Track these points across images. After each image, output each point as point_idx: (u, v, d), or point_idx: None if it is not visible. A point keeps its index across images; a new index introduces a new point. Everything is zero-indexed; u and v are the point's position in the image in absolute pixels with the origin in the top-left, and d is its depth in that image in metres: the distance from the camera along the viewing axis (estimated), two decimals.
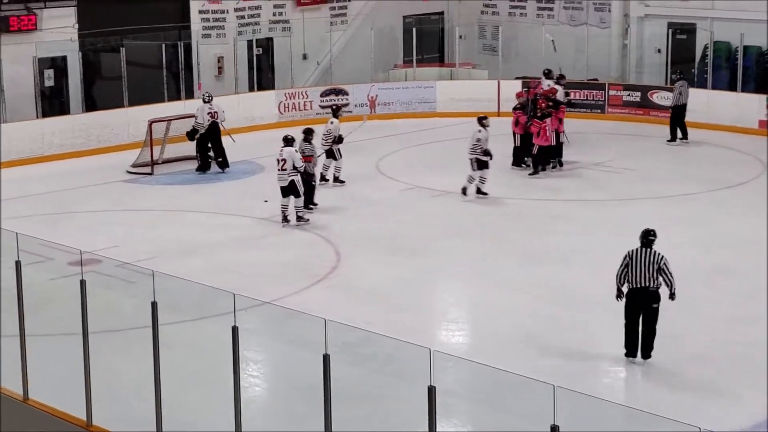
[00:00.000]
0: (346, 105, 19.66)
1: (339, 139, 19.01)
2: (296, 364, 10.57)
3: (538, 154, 19.82)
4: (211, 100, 20.85)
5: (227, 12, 25.91)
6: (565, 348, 12.12)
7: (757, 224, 16.72)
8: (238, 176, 20.56)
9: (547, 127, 19.58)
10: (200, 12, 25.55)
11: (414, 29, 27.16)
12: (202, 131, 20.60)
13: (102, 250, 14.11)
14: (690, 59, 25.31)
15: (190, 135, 20.71)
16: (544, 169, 19.87)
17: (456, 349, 11.94)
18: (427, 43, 28.81)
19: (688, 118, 22.54)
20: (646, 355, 11.60)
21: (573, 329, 12.67)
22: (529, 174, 19.85)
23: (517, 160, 20.26)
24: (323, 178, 19.05)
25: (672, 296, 11.43)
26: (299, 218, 16.93)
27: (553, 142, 19.89)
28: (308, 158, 17.36)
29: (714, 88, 24.13)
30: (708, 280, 14.20)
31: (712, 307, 13.32)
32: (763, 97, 23.18)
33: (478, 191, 18.20)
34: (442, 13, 29.45)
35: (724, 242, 15.91)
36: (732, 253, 15.41)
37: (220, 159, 20.83)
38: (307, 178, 17.34)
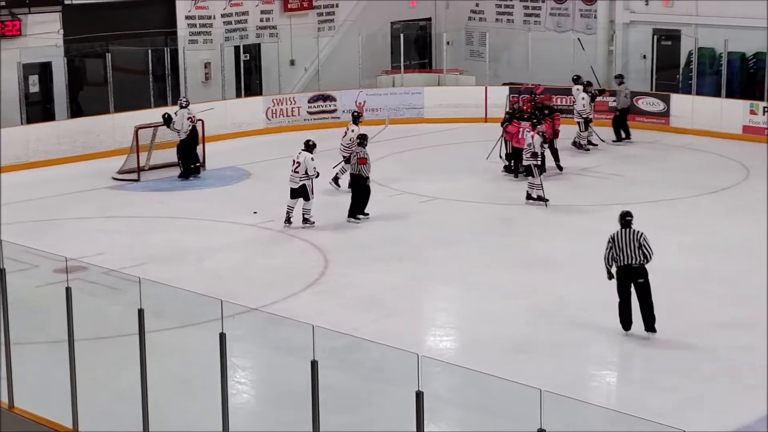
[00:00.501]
0: (362, 113, 19.90)
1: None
2: (284, 371, 10.56)
3: (515, 156, 19.92)
4: (189, 104, 20.87)
5: (214, 17, 25.88)
6: (552, 353, 12.13)
7: (743, 229, 16.84)
8: (225, 182, 20.53)
9: (522, 130, 19.66)
10: (187, 17, 25.50)
11: (401, 35, 27.21)
12: (183, 137, 20.57)
13: (88, 257, 14.03)
14: (675, 65, 25.42)
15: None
16: (522, 172, 19.97)
17: (444, 355, 11.93)
18: (414, 49, 28.89)
19: (673, 123, 22.58)
20: (650, 328, 12.25)
21: (560, 334, 12.69)
22: (514, 176, 20.02)
23: (508, 166, 20.31)
24: (336, 184, 19.22)
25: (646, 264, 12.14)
26: (305, 220, 17.01)
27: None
28: (363, 160, 17.40)
29: (698, 93, 24.24)
30: (694, 285, 14.23)
31: (698, 312, 13.35)
32: (747, 102, 23.33)
33: (529, 197, 18.25)
34: (429, 19, 29.50)
35: (710, 247, 15.96)
36: (718, 257, 15.46)
37: (198, 164, 20.79)
38: (363, 181, 17.39)
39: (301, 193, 16.90)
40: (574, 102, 22.69)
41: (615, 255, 12.17)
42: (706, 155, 21.94)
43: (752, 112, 23.16)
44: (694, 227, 17.06)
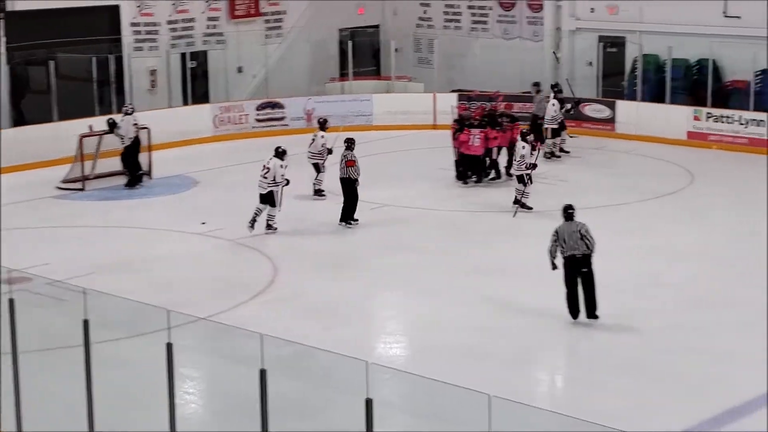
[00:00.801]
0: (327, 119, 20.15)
1: (329, 152, 19.19)
2: (232, 380, 10.49)
3: (464, 163, 19.99)
4: (134, 111, 20.70)
5: (160, 24, 25.66)
6: (501, 358, 12.16)
7: (688, 233, 17.05)
8: (173, 190, 20.36)
9: (472, 137, 19.74)
10: (132, 24, 25.26)
11: (350, 42, 27.20)
12: (127, 143, 20.39)
13: (32, 268, 13.82)
14: (620, 72, 25.70)
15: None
16: (473, 178, 20.07)
17: (394, 362, 11.91)
18: (363, 56, 28.89)
19: (618, 129, 23.08)
20: (591, 314, 12.85)
21: (510, 339, 12.73)
22: (463, 182, 20.11)
23: (460, 174, 20.37)
24: (319, 195, 19.28)
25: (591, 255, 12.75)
26: (269, 226, 17.02)
27: (481, 153, 20.05)
28: (351, 162, 17.47)
29: (643, 100, 24.53)
30: (641, 289, 14.35)
31: (645, 315, 13.45)
32: (691, 108, 23.65)
33: (521, 204, 18.24)
34: (377, 26, 29.53)
35: (656, 251, 16.09)
36: (664, 261, 15.60)
37: (142, 172, 20.65)
38: (352, 184, 17.43)
39: (268, 199, 16.92)
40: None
41: (561, 247, 12.81)
42: (652, 161, 22.19)
43: (696, 118, 23.47)
44: (641, 232, 17.21)
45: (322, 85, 27.28)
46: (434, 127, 25.09)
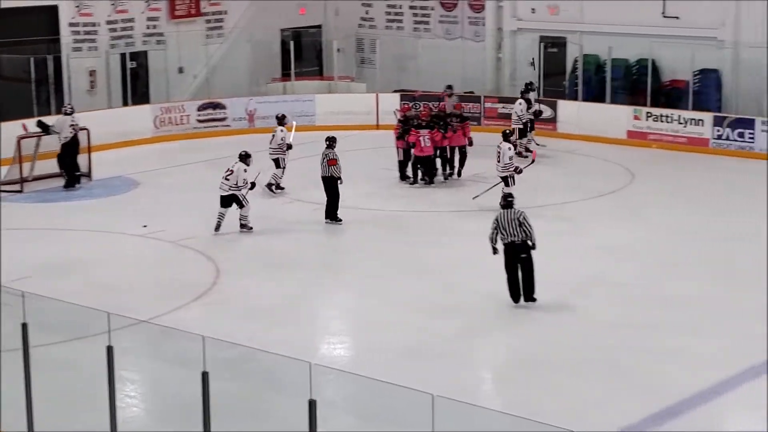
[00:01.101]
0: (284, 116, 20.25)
1: (289, 147, 19.43)
2: (174, 383, 10.41)
3: (414, 164, 20.02)
4: (73, 112, 20.43)
5: (99, 24, 25.36)
6: (444, 358, 12.17)
7: (629, 232, 17.19)
8: (113, 192, 20.14)
9: (422, 138, 19.76)
10: (70, 24, 24.95)
11: (292, 42, 27.10)
12: (63, 140, 20.13)
13: None
14: (561, 72, 25.93)
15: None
16: (423, 180, 20.07)
17: (337, 362, 11.89)
18: (305, 56, 28.81)
19: (560, 129, 23.52)
20: (529, 298, 13.43)
21: (453, 339, 12.75)
22: (410, 183, 20.10)
23: (403, 174, 20.37)
24: (271, 190, 19.39)
25: (533, 246, 13.31)
26: (243, 226, 17.03)
27: (431, 153, 20.06)
28: (333, 161, 17.52)
29: (584, 99, 24.77)
30: (581, 289, 14.43)
31: (586, 313, 13.56)
32: (631, 108, 23.92)
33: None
34: (319, 26, 29.46)
35: (597, 250, 16.21)
36: (605, 260, 15.72)
37: (80, 173, 20.39)
38: (334, 183, 17.49)
39: (231, 201, 16.91)
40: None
41: (501, 234, 13.36)
42: (593, 160, 22.41)
43: (636, 118, 23.76)
44: (582, 231, 17.33)
45: (264, 85, 27.16)
46: (377, 127, 25.09)
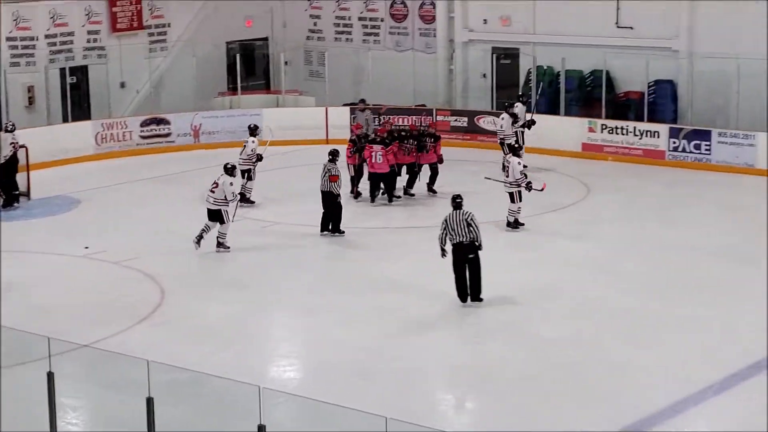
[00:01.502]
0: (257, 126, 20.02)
1: (259, 158, 19.32)
2: (118, 409, 10.12)
3: (371, 182, 19.66)
4: (15, 129, 20.03)
5: (37, 39, 24.79)
6: (397, 378, 11.94)
7: (584, 245, 17.14)
8: (53, 211, 19.71)
9: (375, 154, 19.32)
10: (8, 39, 24.38)
11: (238, 55, 26.59)
12: (2, 161, 19.69)
13: None
14: (514, 84, 25.66)
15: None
16: (383, 196, 19.68)
17: (287, 385, 11.71)
18: (252, 69, 28.35)
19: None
20: (476, 298, 13.82)
21: (406, 358, 12.56)
22: (356, 200, 19.74)
23: (356, 190, 19.89)
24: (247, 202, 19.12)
25: (479, 246, 13.67)
26: (219, 244, 16.64)
27: (385, 171, 19.60)
28: (335, 177, 17.26)
29: (538, 111, 24.46)
30: (536, 301, 14.36)
31: (540, 327, 13.51)
32: (585, 120, 23.70)
33: (514, 223, 17.74)
34: (266, 38, 29.04)
35: (553, 263, 16.14)
36: (560, 273, 15.63)
37: (17, 192, 19.91)
38: (334, 199, 17.25)
39: (217, 216, 16.49)
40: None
41: (449, 234, 13.68)
42: (547, 173, 22.12)
43: (591, 130, 23.55)
44: (538, 244, 17.19)
45: (210, 99, 26.66)
46: (327, 141, 24.67)
